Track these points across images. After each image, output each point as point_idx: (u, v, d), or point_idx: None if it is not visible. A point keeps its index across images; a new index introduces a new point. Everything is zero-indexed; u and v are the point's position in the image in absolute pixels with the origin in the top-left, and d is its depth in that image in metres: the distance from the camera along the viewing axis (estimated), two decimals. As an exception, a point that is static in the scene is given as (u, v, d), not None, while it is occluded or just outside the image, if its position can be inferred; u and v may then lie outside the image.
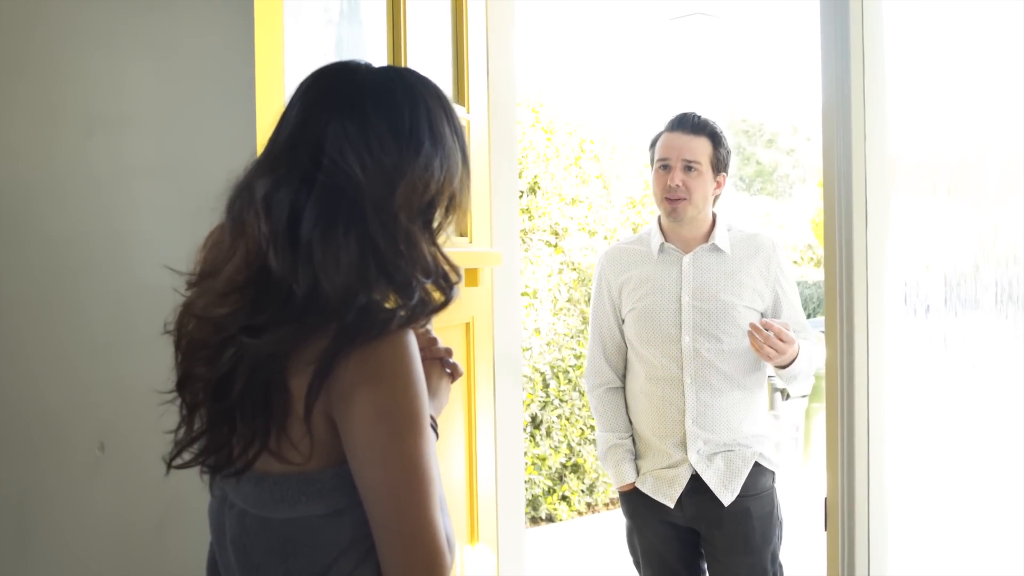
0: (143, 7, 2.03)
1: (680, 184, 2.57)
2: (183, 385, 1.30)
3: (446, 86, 2.53)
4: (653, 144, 2.71)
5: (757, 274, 2.62)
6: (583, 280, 6.89)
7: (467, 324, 2.52)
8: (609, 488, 6.81)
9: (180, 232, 1.88)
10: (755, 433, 2.62)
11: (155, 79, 2.04)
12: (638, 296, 2.62)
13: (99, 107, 2.06)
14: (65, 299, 1.96)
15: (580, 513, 6.63)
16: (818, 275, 20.52)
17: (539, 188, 6.83)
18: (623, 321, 2.68)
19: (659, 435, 2.59)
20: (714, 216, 2.68)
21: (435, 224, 1.26)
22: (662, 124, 2.74)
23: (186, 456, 1.31)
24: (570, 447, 6.60)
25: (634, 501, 2.68)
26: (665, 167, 2.61)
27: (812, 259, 22.43)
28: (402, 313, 1.21)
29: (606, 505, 6.80)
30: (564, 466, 6.59)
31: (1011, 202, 1.77)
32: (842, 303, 1.97)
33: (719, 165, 2.65)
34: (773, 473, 2.64)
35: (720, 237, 2.63)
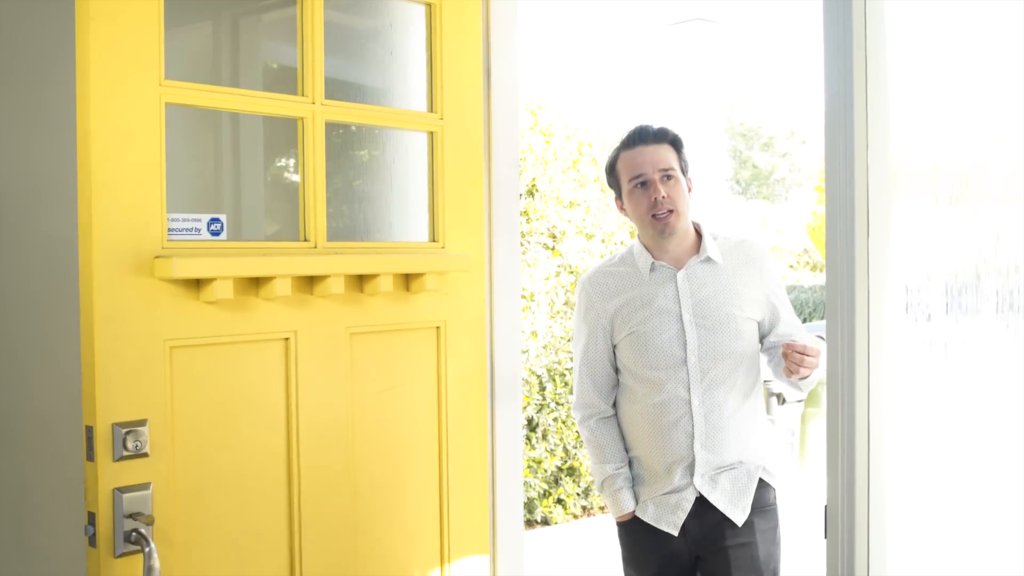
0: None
1: (666, 195, 2.45)
2: None
3: (420, 92, 2.55)
4: (612, 168, 2.57)
5: (752, 283, 2.53)
6: (580, 283, 6.88)
7: (437, 328, 2.51)
8: (605, 491, 6.79)
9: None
10: (757, 447, 2.53)
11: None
12: (636, 320, 2.49)
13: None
14: (64, 297, 1.96)
15: (575, 516, 6.63)
16: (814, 279, 20.54)
17: (537, 191, 6.83)
18: (615, 347, 2.57)
19: (665, 462, 2.48)
20: (696, 225, 2.57)
21: None
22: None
23: None
24: (566, 450, 6.60)
25: (633, 533, 2.57)
26: (643, 184, 2.47)
27: (808, 263, 22.48)
28: None
29: (601, 508, 6.79)
30: (560, 469, 6.60)
31: (1012, 211, 1.78)
32: (843, 310, 1.97)
33: (685, 168, 2.54)
34: (774, 490, 2.55)
35: (711, 247, 2.52)
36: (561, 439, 6.57)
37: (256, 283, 2.11)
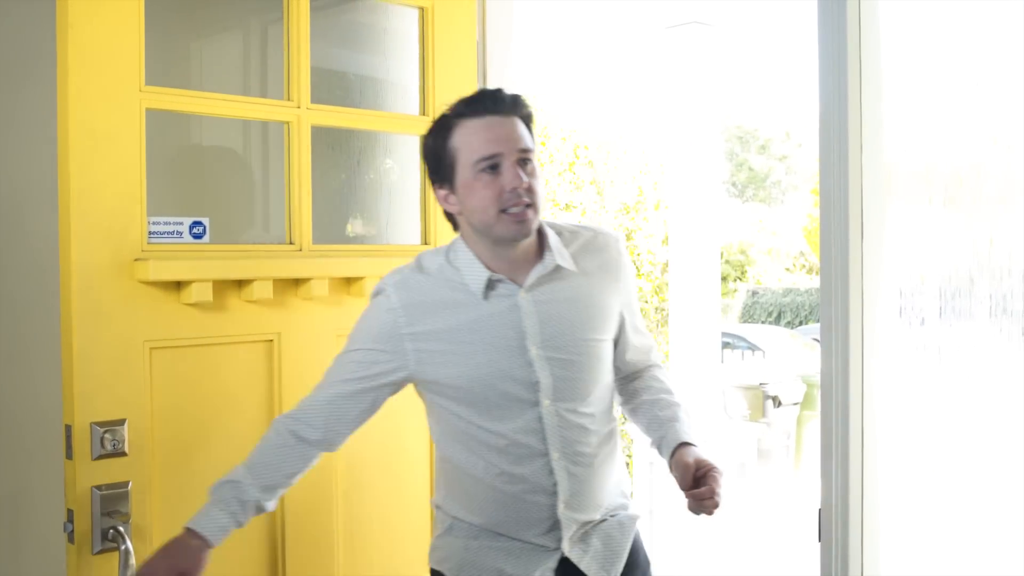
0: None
1: (529, 185, 1.79)
2: None
3: (412, 96, 2.55)
4: (444, 143, 1.82)
5: (609, 291, 1.92)
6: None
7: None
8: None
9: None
10: (624, 490, 2.02)
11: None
12: (464, 357, 1.83)
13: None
14: (47, 297, 1.97)
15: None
16: (810, 282, 20.60)
17: (533, 193, 6.83)
18: (422, 383, 1.89)
19: (520, 528, 1.88)
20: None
21: None
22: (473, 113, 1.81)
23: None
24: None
25: None
26: (494, 167, 1.78)
27: (804, 266, 22.56)
28: None
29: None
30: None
31: (1006, 215, 1.78)
32: (837, 314, 1.97)
33: (536, 150, 1.89)
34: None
35: (559, 252, 1.86)
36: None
37: (237, 285, 2.12)
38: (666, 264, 6.90)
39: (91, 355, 1.91)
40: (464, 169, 1.80)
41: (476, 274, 1.83)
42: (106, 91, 1.93)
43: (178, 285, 2.02)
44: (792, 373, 8.56)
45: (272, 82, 2.45)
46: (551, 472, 1.85)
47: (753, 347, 11.82)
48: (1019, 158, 1.72)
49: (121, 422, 1.93)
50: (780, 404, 8.05)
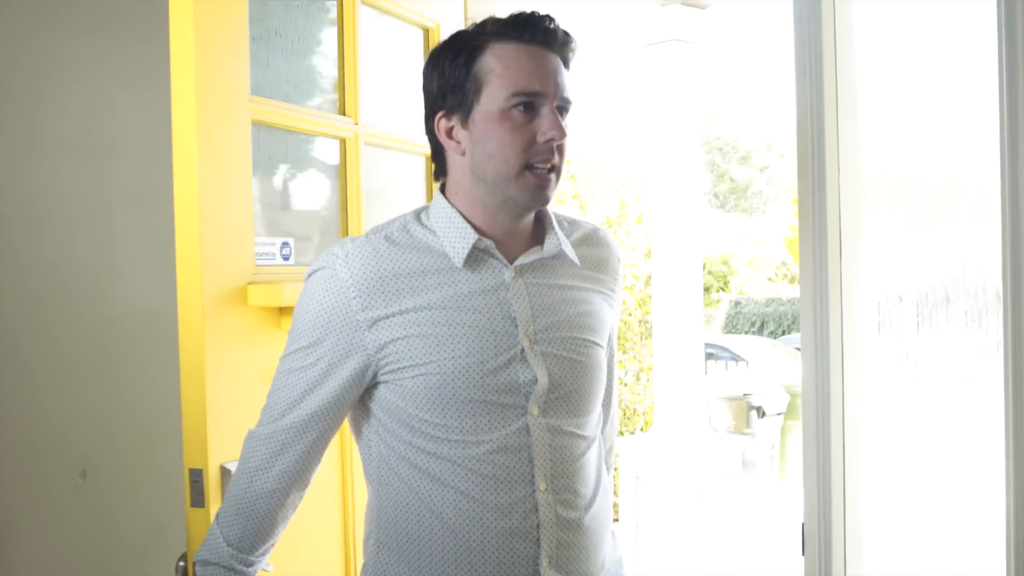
0: (125, 40, 2.04)
1: (563, 140, 1.44)
2: None
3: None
4: (468, 60, 1.40)
5: (605, 296, 1.56)
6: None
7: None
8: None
9: (159, 260, 1.89)
10: (618, 557, 1.60)
11: (137, 109, 2.06)
12: (438, 344, 1.37)
13: (81, 135, 2.07)
14: (46, 326, 1.97)
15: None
16: (792, 292, 20.71)
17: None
18: (373, 388, 1.43)
19: None
20: None
21: None
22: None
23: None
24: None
25: None
26: (529, 108, 1.40)
27: (786, 276, 22.68)
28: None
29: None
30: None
31: (980, 232, 1.81)
32: (816, 330, 2.00)
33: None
34: None
35: (563, 239, 1.49)
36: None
37: None
38: (649, 277, 6.94)
39: (217, 390, 1.71)
40: (492, 99, 1.39)
41: (460, 236, 1.41)
42: (219, 101, 1.77)
43: (280, 310, 1.87)
44: (775, 383, 8.62)
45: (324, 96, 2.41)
46: (535, 508, 1.39)
47: (736, 357, 11.88)
48: (993, 177, 1.75)
49: None
50: (764, 415, 8.08)
